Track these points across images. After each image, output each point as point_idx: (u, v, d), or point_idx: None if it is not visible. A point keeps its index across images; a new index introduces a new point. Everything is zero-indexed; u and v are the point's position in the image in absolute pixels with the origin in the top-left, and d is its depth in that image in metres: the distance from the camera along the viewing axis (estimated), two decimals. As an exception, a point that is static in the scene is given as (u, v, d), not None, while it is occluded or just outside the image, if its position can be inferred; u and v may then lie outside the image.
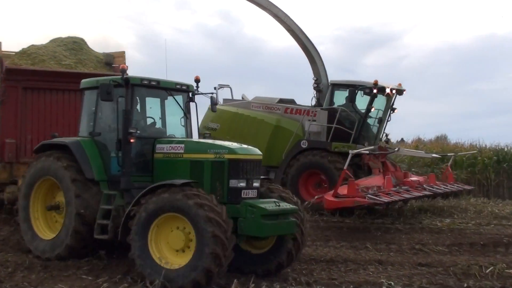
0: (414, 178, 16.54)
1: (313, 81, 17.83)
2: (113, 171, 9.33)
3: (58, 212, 9.82)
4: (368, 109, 16.48)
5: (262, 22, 78.02)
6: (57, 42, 14.18)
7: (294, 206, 8.71)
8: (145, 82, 9.32)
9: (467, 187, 18.85)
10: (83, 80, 10.31)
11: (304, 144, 16.46)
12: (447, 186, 17.19)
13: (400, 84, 17.02)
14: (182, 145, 9.03)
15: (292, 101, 18.29)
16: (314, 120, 16.78)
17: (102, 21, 47.81)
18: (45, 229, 9.94)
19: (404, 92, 17.25)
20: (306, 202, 14.27)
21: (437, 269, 9.70)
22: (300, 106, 17.71)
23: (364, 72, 63.14)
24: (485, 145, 25.60)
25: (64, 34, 14.70)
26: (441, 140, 31.57)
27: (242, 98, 19.20)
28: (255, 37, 61.01)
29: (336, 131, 16.29)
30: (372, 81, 16.14)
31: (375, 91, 15.95)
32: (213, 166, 8.58)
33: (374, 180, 14.41)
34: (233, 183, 8.43)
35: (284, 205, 8.49)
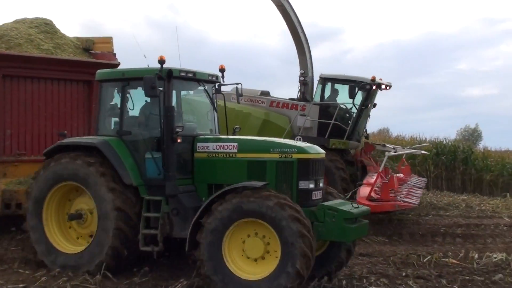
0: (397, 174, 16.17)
1: (300, 73, 17.23)
2: (149, 174, 8.41)
3: (80, 222, 8.68)
4: (365, 105, 16.05)
5: (207, 14, 77.68)
6: (27, 24, 12.40)
7: (367, 207, 8.43)
8: (183, 74, 8.46)
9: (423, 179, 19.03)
10: (100, 71, 9.19)
11: (299, 140, 16.18)
12: (418, 179, 17.38)
13: (381, 79, 16.53)
14: (235, 144, 8.33)
15: (268, 94, 17.68)
16: (304, 115, 16.17)
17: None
18: (62, 240, 8.67)
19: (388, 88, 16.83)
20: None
21: (378, 258, 9.96)
22: (286, 99, 17.11)
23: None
24: (425, 138, 26.37)
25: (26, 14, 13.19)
26: (383, 133, 32.26)
27: None
28: (200, 29, 60.64)
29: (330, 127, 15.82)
30: (363, 75, 15.90)
31: (374, 87, 15.71)
32: (279, 166, 8.05)
33: (377, 180, 13.30)
34: (303, 184, 7.95)
35: (361, 207, 8.08)
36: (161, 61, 8.12)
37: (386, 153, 13.76)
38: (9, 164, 10.86)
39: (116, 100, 8.94)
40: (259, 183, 7.54)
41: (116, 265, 8.17)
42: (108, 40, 12.75)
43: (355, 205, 8.01)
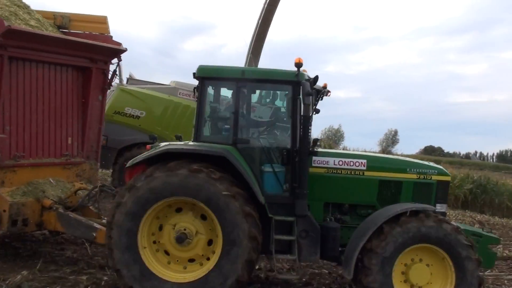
0: None
1: None
2: (269, 190, 7.52)
3: (183, 244, 7.33)
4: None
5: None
6: None
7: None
8: (307, 78, 7.54)
9: None
10: (205, 66, 7.79)
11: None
12: None
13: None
14: (364, 161, 7.84)
15: None
16: None
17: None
18: (158, 265, 7.31)
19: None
20: None
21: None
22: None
23: (184, 57, 65.06)
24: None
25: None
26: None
27: (130, 77, 17.11)
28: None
29: None
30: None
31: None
32: (416, 188, 7.82)
33: None
34: (439, 207, 7.74)
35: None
36: (299, 64, 7.31)
37: None
38: (8, 170, 8.79)
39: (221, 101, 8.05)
40: (430, 207, 7.35)
41: None
42: (102, 20, 10.53)
43: (487, 228, 7.89)
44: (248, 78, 7.64)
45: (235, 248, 7.03)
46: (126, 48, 10.18)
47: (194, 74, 7.77)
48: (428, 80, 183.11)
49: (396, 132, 58.07)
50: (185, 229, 7.23)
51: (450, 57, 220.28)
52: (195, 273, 7.19)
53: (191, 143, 7.61)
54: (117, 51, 10.12)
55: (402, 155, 30.85)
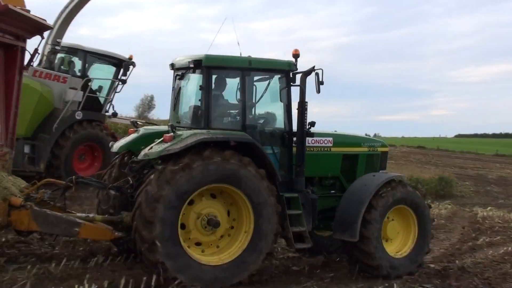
0: None
1: (53, 41, 16.02)
2: None
3: (210, 230, 7.75)
4: (123, 81, 16.30)
5: None
6: None
7: None
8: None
9: None
10: (212, 55, 8.17)
11: (79, 116, 15.43)
12: None
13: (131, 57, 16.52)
14: (331, 139, 9.03)
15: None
16: (75, 88, 15.40)
17: None
18: (194, 253, 7.59)
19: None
20: None
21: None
22: (48, 70, 15.48)
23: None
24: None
25: None
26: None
27: None
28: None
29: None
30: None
31: (132, 66, 16.15)
32: (368, 159, 9.38)
33: None
34: (382, 172, 9.33)
35: None
36: (297, 55, 8.37)
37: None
38: None
39: (230, 89, 8.41)
40: (403, 176, 9.11)
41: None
42: None
43: None
44: (254, 67, 8.26)
45: (266, 225, 7.63)
46: (51, 26, 9.54)
47: (171, 65, 8.57)
48: (184, 47, 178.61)
49: (152, 98, 62.02)
50: (215, 216, 7.66)
51: (203, 25, 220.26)
52: (229, 254, 7.64)
53: (212, 131, 7.81)
54: (42, 27, 8.88)
55: (158, 120, 32.27)
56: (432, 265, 9.05)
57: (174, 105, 8.77)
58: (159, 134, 7.97)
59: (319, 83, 8.21)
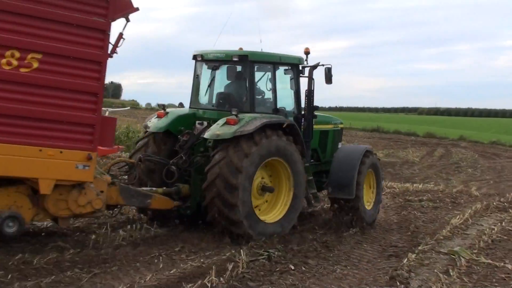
0: None
1: None
2: None
3: (263, 194, 9.49)
4: None
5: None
6: None
7: None
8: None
9: None
10: (255, 52, 9.84)
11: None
12: None
13: None
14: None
15: None
16: None
17: None
18: (258, 212, 9.26)
19: None
20: None
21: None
22: None
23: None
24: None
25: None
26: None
27: None
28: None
29: None
30: None
31: None
32: (334, 134, 11.56)
33: None
34: (339, 145, 11.71)
35: None
36: (307, 53, 10.47)
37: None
38: None
39: (263, 80, 10.11)
40: (371, 147, 11.88)
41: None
42: None
43: None
44: (282, 62, 10.20)
45: (301, 190, 9.67)
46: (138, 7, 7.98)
47: (199, 56, 10.13)
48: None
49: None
50: (266, 183, 9.45)
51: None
52: (276, 214, 9.48)
53: (264, 115, 9.45)
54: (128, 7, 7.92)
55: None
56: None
57: (199, 91, 10.38)
58: (190, 116, 10.01)
59: (326, 76, 10.38)
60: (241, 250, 7.79)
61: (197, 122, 9.94)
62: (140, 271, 7.07)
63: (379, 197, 11.45)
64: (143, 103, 79.98)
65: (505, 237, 10.32)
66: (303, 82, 10.51)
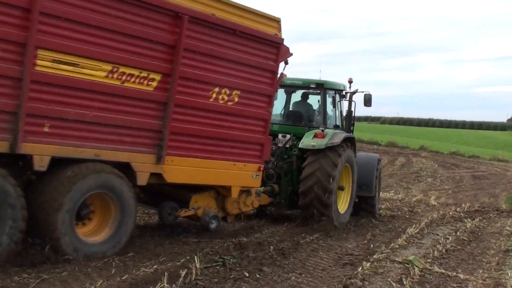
0: None
1: None
2: None
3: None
4: None
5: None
6: None
7: None
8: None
9: None
10: (327, 81, 12.51)
11: None
12: None
13: None
14: None
15: None
16: None
17: None
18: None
19: None
20: None
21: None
22: None
23: None
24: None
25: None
26: None
27: None
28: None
29: None
30: None
31: None
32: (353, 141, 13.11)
33: None
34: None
35: None
36: (350, 82, 12.95)
37: None
38: None
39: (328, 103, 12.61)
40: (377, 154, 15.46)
41: None
42: (276, 19, 9.88)
43: None
44: (340, 89, 12.75)
45: (355, 187, 12.45)
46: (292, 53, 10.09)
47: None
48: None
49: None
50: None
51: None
52: (344, 204, 12.12)
53: (338, 130, 12.31)
54: (287, 53, 9.98)
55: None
56: (233, 239, 9.43)
57: (282, 109, 12.88)
58: (281, 128, 12.47)
59: (365, 101, 12.94)
60: (196, 257, 7.69)
61: (280, 134, 12.23)
62: (91, 277, 6.91)
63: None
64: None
65: (459, 247, 10.48)
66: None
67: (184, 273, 7.03)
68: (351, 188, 12.36)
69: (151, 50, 8.06)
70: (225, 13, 8.88)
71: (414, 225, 12.12)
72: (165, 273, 6.92)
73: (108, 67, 7.63)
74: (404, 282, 7.60)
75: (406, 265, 8.53)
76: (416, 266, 8.43)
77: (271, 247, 9.11)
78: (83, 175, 7.53)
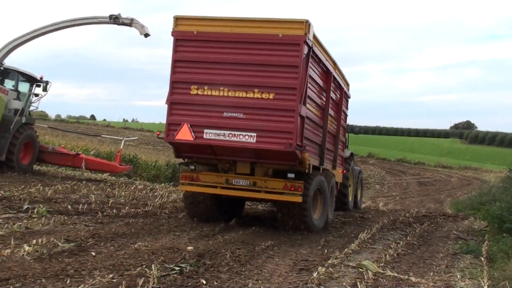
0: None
1: None
2: None
3: None
4: (36, 94, 20.36)
5: None
6: None
7: None
8: None
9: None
10: None
11: (23, 120, 19.41)
12: None
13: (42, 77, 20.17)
14: None
15: None
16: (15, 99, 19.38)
17: None
18: None
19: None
20: None
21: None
22: None
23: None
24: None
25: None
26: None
27: None
28: None
29: None
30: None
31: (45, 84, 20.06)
32: None
33: None
34: None
35: None
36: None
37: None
38: None
39: None
40: None
41: None
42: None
43: None
44: None
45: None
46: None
47: None
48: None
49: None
50: None
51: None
52: None
53: None
54: None
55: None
56: (189, 248, 9.40)
57: None
58: None
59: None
60: (153, 265, 7.64)
61: None
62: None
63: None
64: (52, 115, 77.50)
65: (410, 251, 10.77)
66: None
67: (141, 281, 6.97)
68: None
69: None
70: None
71: (365, 231, 12.37)
72: (122, 282, 6.85)
73: None
74: (359, 286, 7.74)
75: (360, 269, 8.70)
76: (370, 270, 8.61)
77: (228, 254, 9.13)
78: None
